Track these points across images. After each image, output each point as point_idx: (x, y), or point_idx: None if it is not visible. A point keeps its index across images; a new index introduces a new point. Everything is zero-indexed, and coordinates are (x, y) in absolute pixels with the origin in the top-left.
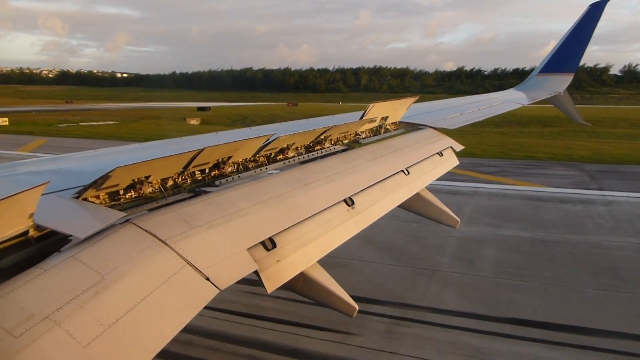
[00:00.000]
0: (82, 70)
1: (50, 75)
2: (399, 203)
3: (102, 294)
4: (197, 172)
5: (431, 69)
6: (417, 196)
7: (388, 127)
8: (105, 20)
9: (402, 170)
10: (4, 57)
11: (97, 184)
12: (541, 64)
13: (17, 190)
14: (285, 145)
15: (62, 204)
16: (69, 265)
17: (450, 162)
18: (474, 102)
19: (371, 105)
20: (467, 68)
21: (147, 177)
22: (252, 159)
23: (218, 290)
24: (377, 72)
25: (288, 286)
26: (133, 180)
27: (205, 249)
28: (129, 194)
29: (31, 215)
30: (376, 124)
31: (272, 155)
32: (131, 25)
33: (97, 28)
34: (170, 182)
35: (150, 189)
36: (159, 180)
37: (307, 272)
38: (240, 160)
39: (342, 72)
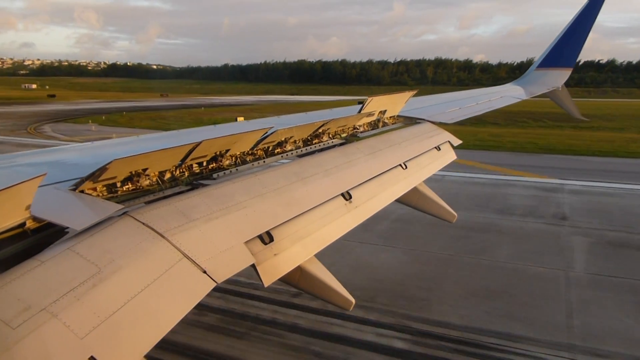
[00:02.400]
0: (129, 63)
1: (94, 68)
2: (396, 197)
3: (99, 286)
4: (194, 165)
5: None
6: (415, 190)
7: (386, 120)
8: (136, 12)
9: (400, 165)
10: (42, 50)
11: (94, 176)
12: (540, 58)
13: (14, 181)
14: (283, 139)
15: (59, 196)
16: (66, 257)
17: (448, 156)
18: (473, 97)
19: (369, 98)
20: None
21: (145, 170)
22: (250, 152)
23: (215, 284)
24: (441, 65)
25: (285, 280)
26: (131, 172)
27: (202, 242)
28: (127, 186)
29: (28, 207)
30: (374, 117)
31: (270, 149)
32: (162, 17)
33: (129, 21)
34: (168, 175)
35: (147, 182)
36: (157, 173)
37: (305, 265)
38: (238, 153)
39: (405, 65)
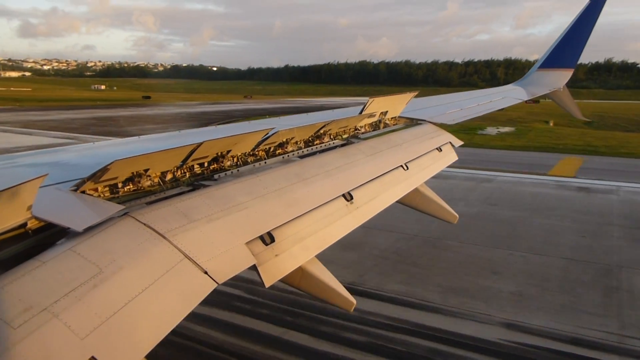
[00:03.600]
0: (191, 64)
1: (150, 69)
2: (397, 198)
3: (100, 286)
4: (196, 166)
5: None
6: (416, 191)
7: (387, 122)
8: (191, 15)
9: (401, 166)
10: (101, 52)
11: (95, 176)
12: (541, 59)
13: (15, 182)
14: (284, 140)
15: (60, 196)
16: (67, 257)
17: (449, 157)
18: (474, 98)
19: (370, 99)
20: (617, 60)
21: (146, 170)
22: (251, 153)
23: (216, 284)
24: (511, 65)
25: (286, 281)
26: (132, 173)
27: (203, 243)
28: (128, 187)
29: (29, 208)
30: (375, 118)
31: (271, 150)
32: (215, 20)
33: (183, 23)
34: (169, 176)
35: (148, 182)
36: (158, 174)
37: (306, 266)
38: (240, 154)
39: (473, 65)
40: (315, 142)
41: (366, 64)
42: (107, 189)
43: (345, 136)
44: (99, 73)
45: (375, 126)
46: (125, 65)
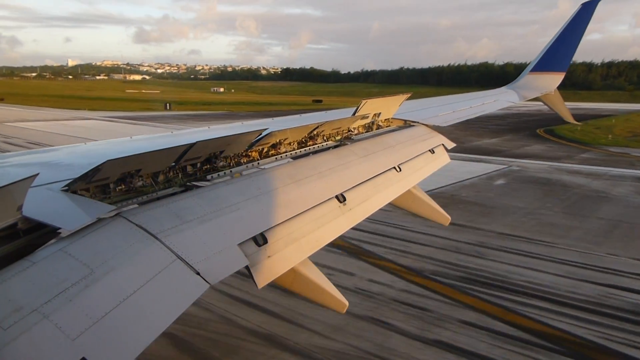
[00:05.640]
0: (303, 67)
1: (254, 72)
2: (390, 200)
3: (92, 287)
4: (188, 167)
5: None
6: (409, 193)
7: (381, 123)
8: (290, 19)
9: (394, 167)
10: (205, 57)
11: (87, 176)
12: (533, 63)
13: (5, 182)
14: (277, 141)
15: (51, 196)
16: (58, 258)
17: (442, 159)
18: (466, 100)
19: (364, 101)
20: None
21: (138, 171)
22: (244, 154)
23: (208, 285)
24: None
25: (279, 282)
26: (124, 173)
27: (196, 244)
28: (120, 187)
29: (20, 208)
30: (369, 120)
31: (265, 151)
32: (313, 23)
33: (282, 27)
34: (162, 176)
35: (141, 183)
36: (150, 174)
37: (298, 268)
38: (233, 154)
39: (616, 67)
40: (308, 144)
41: (491, 65)
42: (98, 189)
43: (338, 138)
44: (212, 76)
45: (368, 128)
46: (238, 68)
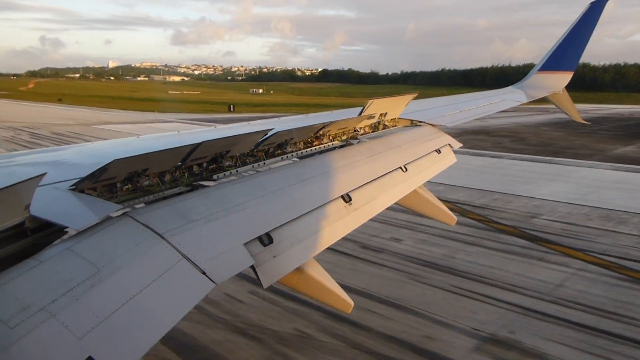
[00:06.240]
0: (341, 68)
1: (284, 73)
2: (396, 200)
3: (98, 286)
4: (195, 166)
5: None
6: (415, 193)
7: (387, 123)
8: (324, 21)
9: (400, 167)
10: (240, 58)
11: (94, 176)
12: (541, 62)
13: (13, 181)
14: (283, 141)
15: (58, 195)
16: (64, 257)
17: (448, 159)
18: (473, 100)
19: (370, 101)
20: None
21: (145, 170)
22: (250, 154)
23: (214, 285)
24: None
25: (284, 282)
26: (130, 173)
27: (201, 244)
28: (126, 186)
29: (27, 207)
30: (375, 120)
31: (271, 150)
32: (347, 25)
33: (316, 29)
34: (168, 176)
35: (147, 182)
36: (157, 174)
37: (304, 268)
38: (239, 154)
39: None
40: (314, 143)
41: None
42: (105, 188)
43: (344, 137)
44: (248, 77)
45: (374, 127)
46: (272, 69)
